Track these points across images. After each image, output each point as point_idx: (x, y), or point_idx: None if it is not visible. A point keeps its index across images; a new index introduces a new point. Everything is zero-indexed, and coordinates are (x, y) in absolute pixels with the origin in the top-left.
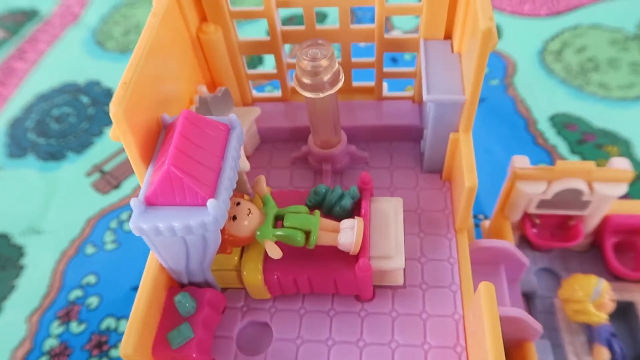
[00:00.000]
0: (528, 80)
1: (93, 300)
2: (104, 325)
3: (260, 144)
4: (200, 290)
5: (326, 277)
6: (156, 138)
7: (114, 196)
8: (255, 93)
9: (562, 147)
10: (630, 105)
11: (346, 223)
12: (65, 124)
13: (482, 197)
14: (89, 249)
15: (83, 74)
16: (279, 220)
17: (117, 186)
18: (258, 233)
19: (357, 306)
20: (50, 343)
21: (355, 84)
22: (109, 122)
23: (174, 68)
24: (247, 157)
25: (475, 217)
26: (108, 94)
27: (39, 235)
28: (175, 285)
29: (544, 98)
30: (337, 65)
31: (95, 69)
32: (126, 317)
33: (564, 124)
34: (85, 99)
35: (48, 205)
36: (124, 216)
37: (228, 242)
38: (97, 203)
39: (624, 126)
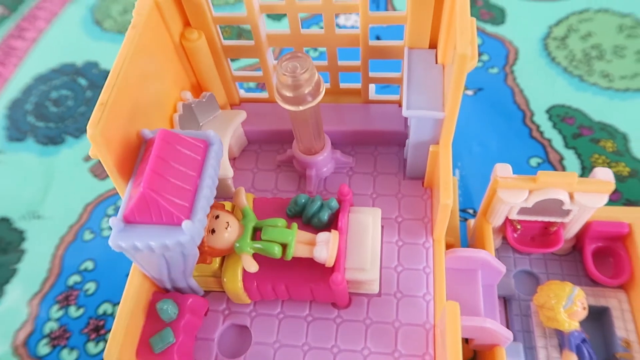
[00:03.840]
0: (529, 69)
1: (91, 286)
2: (101, 310)
3: (248, 145)
4: (182, 297)
5: (303, 286)
6: (136, 152)
7: (111, 182)
8: (243, 93)
9: (557, 140)
10: (632, 97)
11: (322, 237)
12: (64, 107)
13: (473, 191)
14: (87, 235)
15: (81, 54)
16: (257, 231)
17: None
18: (237, 245)
19: (333, 313)
20: (51, 326)
21: (342, 85)
22: None
23: (156, 78)
24: (234, 159)
25: (464, 211)
26: (106, 76)
27: (39, 220)
28: (159, 290)
29: (543, 88)
30: (317, 76)
31: (93, 49)
32: None
33: (561, 116)
34: (83, 82)
35: (47, 190)
36: (120, 203)
37: (207, 253)
38: (95, 188)
39: (623, 120)
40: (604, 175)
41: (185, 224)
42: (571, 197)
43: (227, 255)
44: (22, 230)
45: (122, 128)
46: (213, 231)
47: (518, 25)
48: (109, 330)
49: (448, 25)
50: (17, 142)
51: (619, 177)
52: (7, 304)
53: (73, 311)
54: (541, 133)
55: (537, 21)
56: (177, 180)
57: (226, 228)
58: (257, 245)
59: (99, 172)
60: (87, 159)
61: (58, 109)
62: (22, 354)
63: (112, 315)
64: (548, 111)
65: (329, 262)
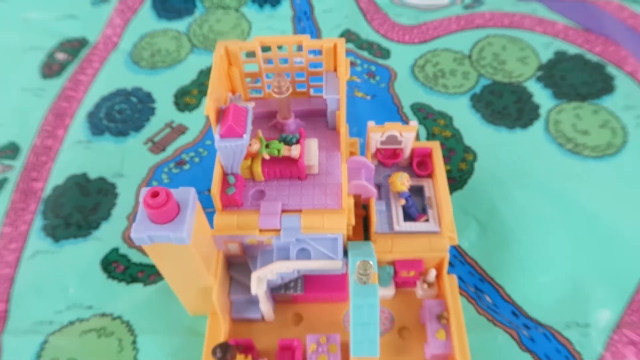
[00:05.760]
0: (402, 84)
1: None
2: None
3: (253, 119)
4: (235, 175)
5: (286, 167)
6: (218, 115)
7: (163, 156)
8: (250, 94)
9: None
10: (457, 97)
11: (294, 146)
12: (125, 115)
13: None
14: (154, 183)
15: (129, 83)
16: (267, 146)
17: (163, 149)
18: (260, 150)
19: (299, 182)
20: None
21: (297, 89)
22: (152, 114)
23: (220, 85)
24: None
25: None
26: (149, 95)
27: (122, 177)
28: (225, 173)
29: (409, 94)
30: (288, 83)
31: (136, 79)
32: None
33: (418, 108)
34: (134, 99)
35: (123, 162)
36: (171, 165)
37: (247, 154)
38: (153, 159)
39: (451, 109)
40: (413, 123)
41: (244, 136)
42: (400, 134)
43: (253, 157)
44: (113, 182)
45: (214, 104)
46: (250, 144)
47: (397, 59)
48: None
49: (338, 62)
50: (99, 136)
51: (445, 138)
52: (112, 221)
53: None
54: (408, 118)
55: (408, 57)
56: (240, 121)
57: (255, 144)
58: (268, 150)
59: (154, 150)
60: (146, 143)
61: (121, 115)
62: (129, 243)
63: None
64: (412, 106)
65: (297, 155)
